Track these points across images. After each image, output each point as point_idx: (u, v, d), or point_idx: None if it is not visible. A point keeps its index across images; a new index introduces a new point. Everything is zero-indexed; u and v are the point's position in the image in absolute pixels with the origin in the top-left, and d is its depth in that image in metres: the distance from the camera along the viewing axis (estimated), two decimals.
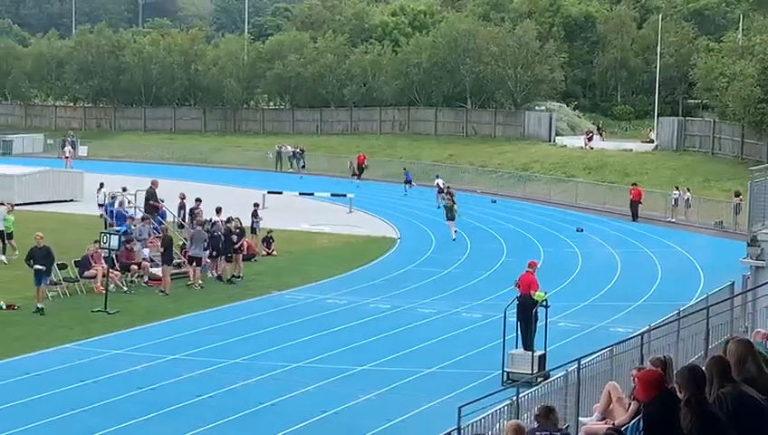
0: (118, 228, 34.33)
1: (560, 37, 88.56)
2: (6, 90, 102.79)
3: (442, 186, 56.71)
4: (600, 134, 78.63)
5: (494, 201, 60.22)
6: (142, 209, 37.71)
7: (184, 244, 35.09)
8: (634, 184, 54.91)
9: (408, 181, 64.06)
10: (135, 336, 26.09)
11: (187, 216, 38.39)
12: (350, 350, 25.34)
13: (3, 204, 38.99)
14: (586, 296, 32.97)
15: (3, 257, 36.30)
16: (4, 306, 28.58)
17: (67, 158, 70.41)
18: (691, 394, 7.81)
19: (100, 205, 45.16)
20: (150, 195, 37.85)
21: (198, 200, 38.65)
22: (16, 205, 41.34)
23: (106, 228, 35.16)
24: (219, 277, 34.26)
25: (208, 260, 35.52)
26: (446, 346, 25.97)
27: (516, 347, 22.99)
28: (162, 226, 34.13)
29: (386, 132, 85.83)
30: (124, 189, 47.75)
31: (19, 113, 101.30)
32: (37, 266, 28.24)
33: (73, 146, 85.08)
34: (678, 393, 7.92)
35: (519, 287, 23.60)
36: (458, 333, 27.65)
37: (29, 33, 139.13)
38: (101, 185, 47.18)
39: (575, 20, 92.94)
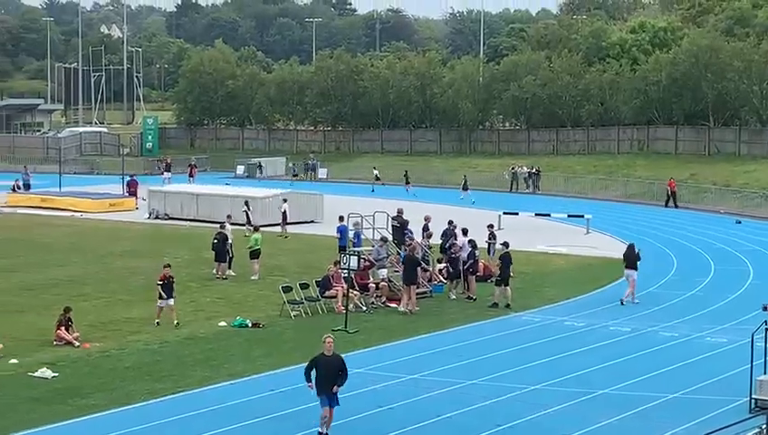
0: (357, 249, 34.93)
1: None
2: (251, 114, 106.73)
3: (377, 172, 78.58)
4: None
5: (739, 222, 58.25)
6: (390, 232, 38.13)
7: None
8: None
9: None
10: (374, 355, 26.45)
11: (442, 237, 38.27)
12: (589, 373, 24.89)
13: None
14: None
15: (230, 271, 37.73)
16: (250, 324, 29.56)
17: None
18: None
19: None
20: (403, 223, 38.19)
21: (450, 222, 38.45)
22: (261, 226, 42.77)
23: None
24: (469, 298, 34.37)
25: (445, 281, 35.75)
26: (690, 371, 25.15)
27: (765, 373, 22.01)
28: (409, 244, 34.17)
29: (624, 152, 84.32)
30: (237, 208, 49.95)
31: (263, 137, 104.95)
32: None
33: (314, 169, 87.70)
34: None
35: None
36: (702, 357, 26.74)
37: (272, 59, 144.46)
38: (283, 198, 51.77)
39: None
